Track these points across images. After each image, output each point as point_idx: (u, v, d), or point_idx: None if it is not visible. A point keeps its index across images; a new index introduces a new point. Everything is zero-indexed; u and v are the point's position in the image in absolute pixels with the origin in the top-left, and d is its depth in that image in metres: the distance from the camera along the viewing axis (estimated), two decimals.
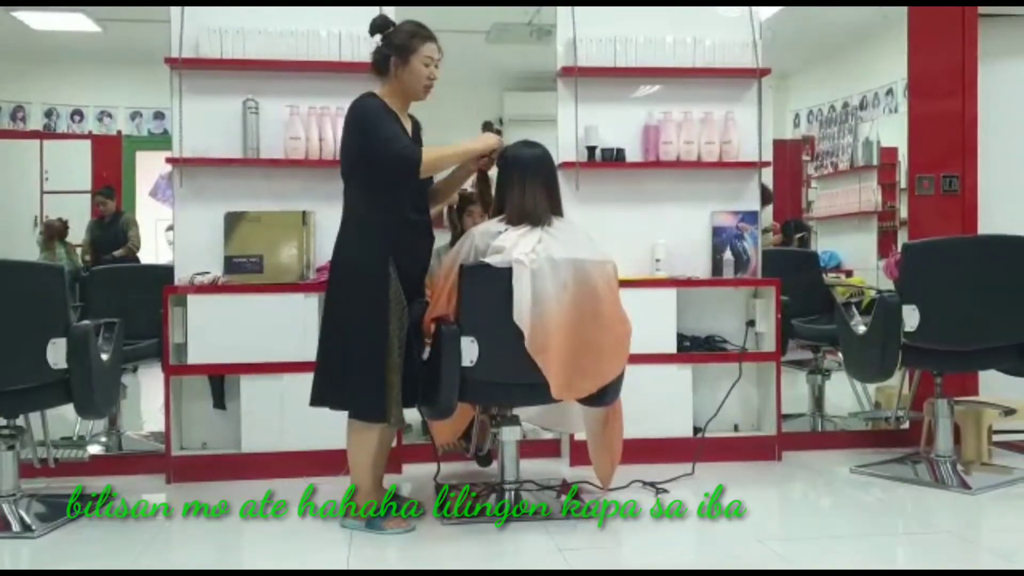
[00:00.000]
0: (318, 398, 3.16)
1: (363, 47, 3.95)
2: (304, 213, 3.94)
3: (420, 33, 3.11)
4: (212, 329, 3.82)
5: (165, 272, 4.07)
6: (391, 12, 3.96)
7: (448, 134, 4.13)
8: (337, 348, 3.08)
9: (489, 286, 3.08)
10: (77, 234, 6.64)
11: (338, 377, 3.08)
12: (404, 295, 3.05)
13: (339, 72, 3.96)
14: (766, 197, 4.48)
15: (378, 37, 3.17)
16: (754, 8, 4.27)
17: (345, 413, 3.19)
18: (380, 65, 3.14)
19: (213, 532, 3.27)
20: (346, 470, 3.27)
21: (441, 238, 4.18)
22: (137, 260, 6.36)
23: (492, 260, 3.08)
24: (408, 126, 3.20)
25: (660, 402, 3.99)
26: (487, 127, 3.35)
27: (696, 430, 4.12)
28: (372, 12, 3.21)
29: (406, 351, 3.06)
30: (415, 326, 3.14)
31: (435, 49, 3.12)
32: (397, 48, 3.10)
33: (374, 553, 2.99)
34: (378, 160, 3.02)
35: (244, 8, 3.99)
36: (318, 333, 3.21)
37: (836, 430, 4.68)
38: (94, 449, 4.27)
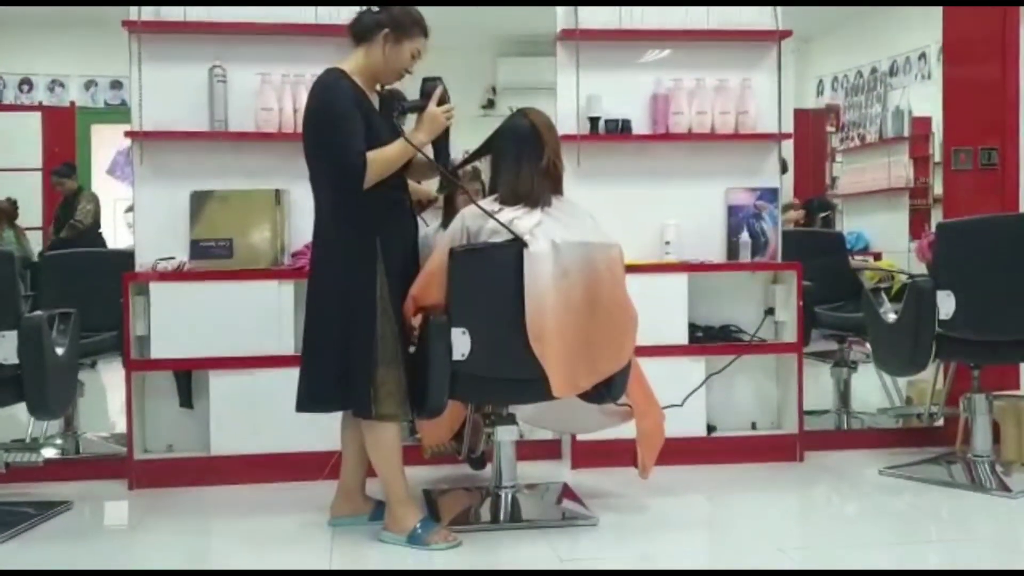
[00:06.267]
0: (310, 401, 3.15)
1: (342, 9, 3.93)
2: (277, 192, 3.93)
3: (421, 23, 3.15)
4: (177, 320, 3.81)
5: (125, 258, 4.06)
6: None
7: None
8: (335, 344, 3.07)
9: (482, 272, 3.08)
10: (27, 216, 6.62)
11: (333, 375, 3.07)
12: (393, 280, 3.06)
13: (315, 36, 3.94)
14: (781, 166, 4.47)
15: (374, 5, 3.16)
16: None
17: (328, 414, 3.22)
18: (366, 30, 3.12)
19: (181, 539, 3.28)
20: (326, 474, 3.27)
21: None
22: (99, 241, 6.32)
23: (495, 239, 3.07)
24: (376, 104, 3.19)
25: (670, 397, 3.99)
26: (425, 94, 3.15)
27: (710, 428, 4.14)
28: None
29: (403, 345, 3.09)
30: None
31: (424, 46, 3.16)
32: (395, 23, 3.10)
33: (356, 561, 3.02)
34: (328, 164, 3.06)
35: None
36: (303, 329, 3.18)
37: (863, 428, 4.70)
38: (49, 452, 4.25)
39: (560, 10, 4.17)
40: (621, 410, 3.38)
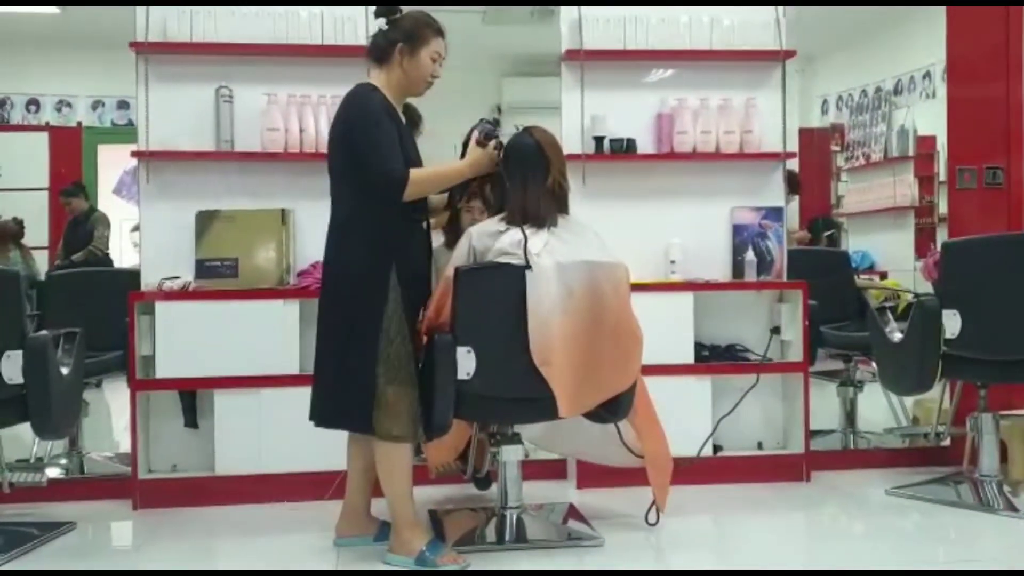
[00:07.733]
0: (318, 418, 3.16)
1: (347, 29, 3.96)
2: (283, 211, 3.94)
3: (433, 25, 3.15)
4: (182, 339, 3.82)
5: (131, 277, 4.06)
6: None
7: (441, 124, 4.16)
8: (336, 361, 3.07)
9: (487, 291, 3.08)
10: (34, 236, 6.63)
11: (338, 393, 3.07)
12: (408, 301, 3.06)
13: (321, 57, 3.97)
14: (792, 186, 4.45)
15: (381, 21, 3.16)
16: None
17: (333, 433, 3.19)
18: (382, 51, 3.13)
19: (185, 559, 3.27)
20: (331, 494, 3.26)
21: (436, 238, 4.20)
22: (108, 263, 6.33)
23: (502, 260, 3.07)
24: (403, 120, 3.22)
25: (676, 418, 3.98)
26: (486, 136, 3.18)
27: (716, 448, 4.12)
28: None
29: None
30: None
31: (444, 46, 3.16)
32: (407, 35, 3.10)
33: None
34: (365, 171, 3.02)
35: None
36: (315, 344, 3.18)
37: (870, 448, 4.67)
38: (53, 472, 4.26)
39: (565, 30, 4.19)
40: (633, 457, 3.40)
